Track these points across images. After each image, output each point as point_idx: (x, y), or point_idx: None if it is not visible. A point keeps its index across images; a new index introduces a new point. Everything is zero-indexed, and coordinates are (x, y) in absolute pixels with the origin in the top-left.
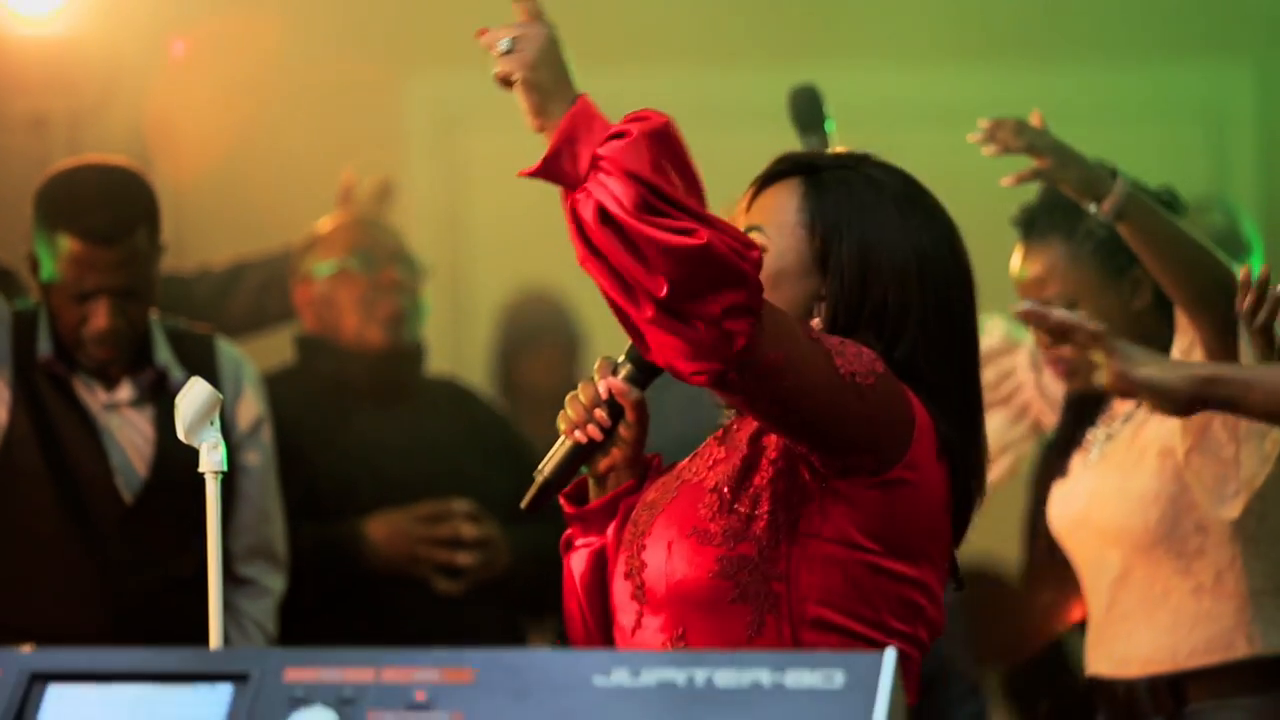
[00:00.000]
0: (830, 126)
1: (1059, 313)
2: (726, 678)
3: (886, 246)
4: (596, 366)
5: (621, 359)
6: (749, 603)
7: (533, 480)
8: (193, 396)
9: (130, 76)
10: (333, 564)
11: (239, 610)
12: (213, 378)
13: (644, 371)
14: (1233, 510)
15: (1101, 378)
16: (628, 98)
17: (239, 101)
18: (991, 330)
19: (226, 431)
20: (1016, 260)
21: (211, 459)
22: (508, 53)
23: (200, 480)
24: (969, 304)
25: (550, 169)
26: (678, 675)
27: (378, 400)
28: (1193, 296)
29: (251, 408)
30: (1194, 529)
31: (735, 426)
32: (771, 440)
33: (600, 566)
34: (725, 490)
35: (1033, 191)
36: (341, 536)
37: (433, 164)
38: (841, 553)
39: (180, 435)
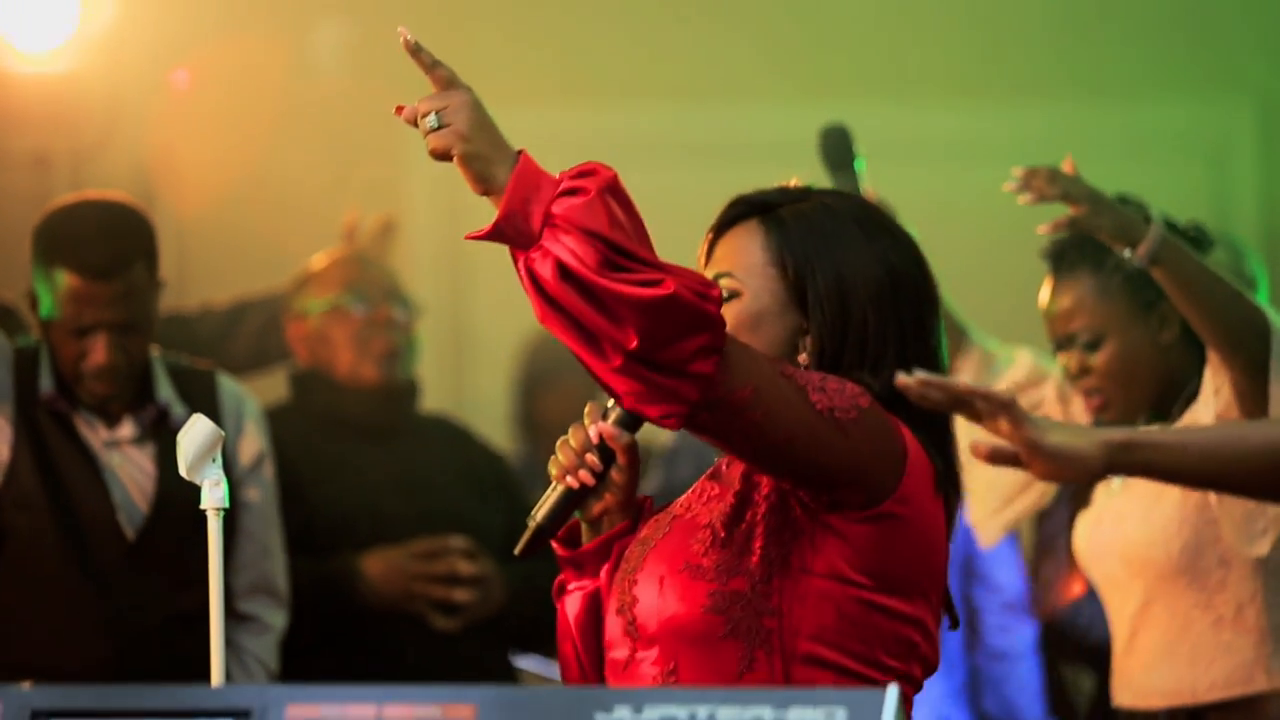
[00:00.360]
0: (860, 165)
1: (960, 383)
2: (729, 715)
3: (859, 271)
4: (587, 411)
5: (611, 403)
6: (740, 638)
7: (526, 525)
8: (195, 433)
9: (132, 113)
10: (329, 600)
11: (241, 647)
12: (214, 414)
13: (634, 415)
14: (1261, 548)
15: (979, 450)
16: (641, 132)
17: (241, 138)
18: (1019, 363)
19: (228, 467)
20: (1045, 294)
21: (214, 496)
22: (437, 128)
23: (202, 516)
24: (938, 319)
25: (502, 231)
26: (679, 712)
27: (372, 437)
28: (1224, 337)
29: (253, 444)
30: (1217, 562)
31: (727, 464)
32: (764, 476)
33: (595, 609)
34: (719, 526)
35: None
36: (338, 572)
37: (435, 200)
38: (834, 588)
39: (182, 472)
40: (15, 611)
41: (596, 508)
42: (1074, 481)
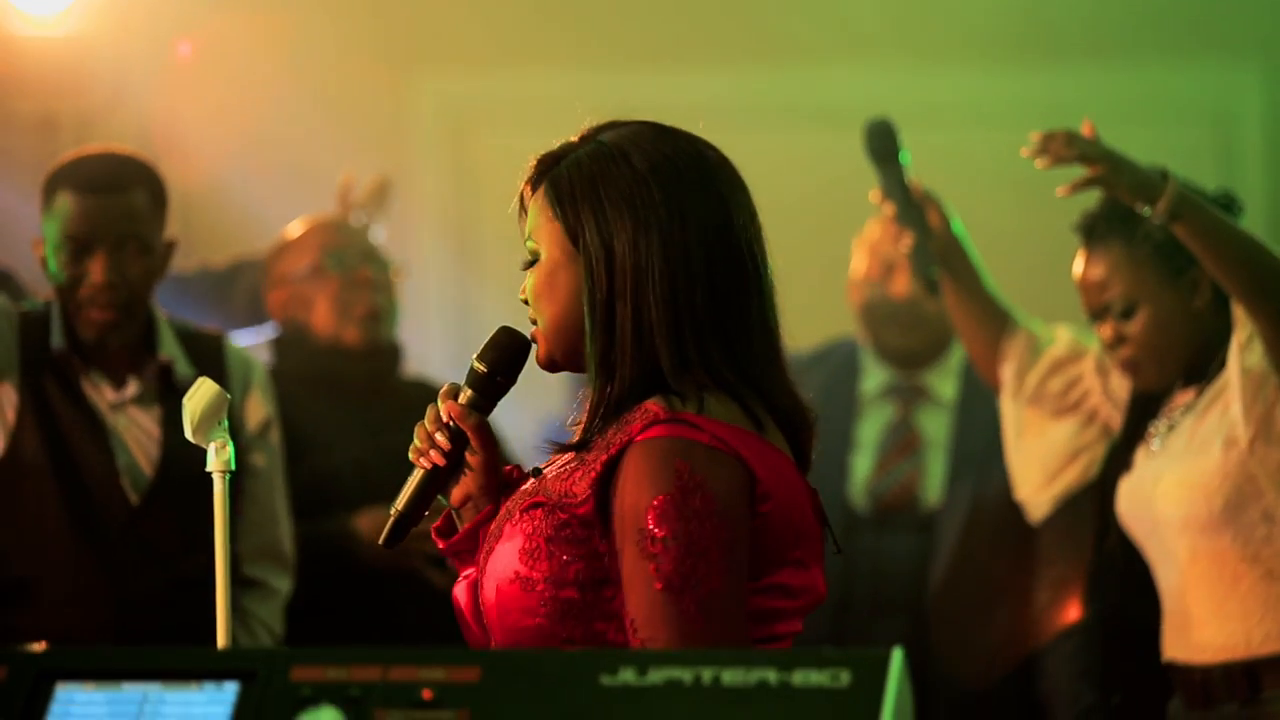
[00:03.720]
0: (905, 158)
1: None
2: (733, 676)
3: (622, 208)
4: (442, 391)
5: (465, 383)
6: (577, 646)
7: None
8: (200, 396)
9: (137, 77)
10: (326, 561)
11: (247, 612)
12: (221, 378)
13: (485, 395)
14: None
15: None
16: (635, 99)
17: (246, 103)
18: (1059, 340)
19: (234, 432)
20: (1079, 264)
21: (220, 459)
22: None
23: (207, 480)
24: (733, 239)
25: None
26: (684, 674)
27: (356, 398)
28: (1249, 290)
29: (259, 409)
30: (1261, 517)
31: (595, 440)
32: (614, 517)
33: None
34: (548, 532)
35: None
36: (333, 533)
37: (439, 165)
38: None
39: (188, 435)
40: (22, 575)
41: (457, 493)
42: None
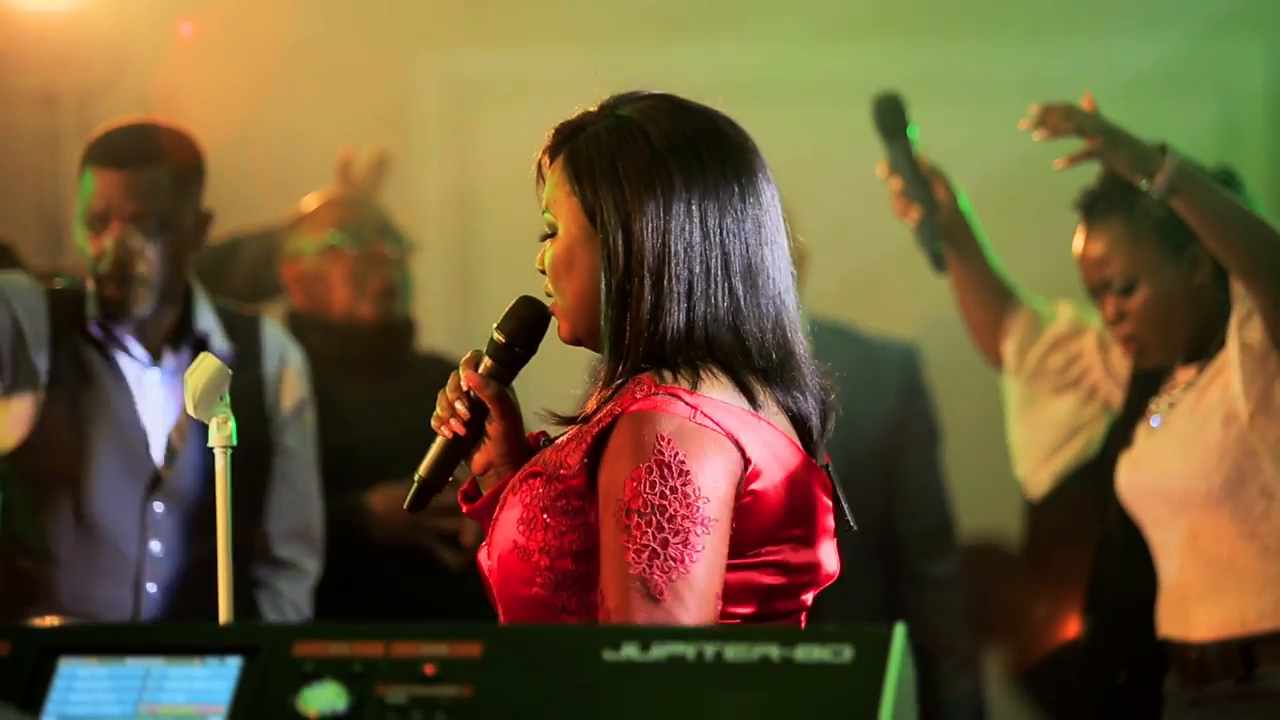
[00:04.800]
0: (913, 133)
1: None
2: (736, 652)
3: (639, 186)
4: (464, 360)
5: (486, 351)
6: (574, 616)
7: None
8: (201, 371)
9: (140, 52)
10: (338, 537)
11: (278, 592)
12: (257, 358)
13: (505, 365)
14: None
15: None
16: (640, 75)
17: (248, 80)
18: (1060, 316)
19: (269, 413)
20: (1079, 240)
21: (221, 434)
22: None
23: (236, 453)
24: (749, 216)
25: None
26: (687, 650)
27: (371, 374)
28: (1248, 265)
29: (295, 390)
30: (1259, 494)
31: (593, 414)
32: (601, 491)
33: None
34: (545, 503)
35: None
36: (345, 510)
37: (443, 142)
38: None
39: (189, 410)
40: (49, 549)
41: (478, 461)
42: None
